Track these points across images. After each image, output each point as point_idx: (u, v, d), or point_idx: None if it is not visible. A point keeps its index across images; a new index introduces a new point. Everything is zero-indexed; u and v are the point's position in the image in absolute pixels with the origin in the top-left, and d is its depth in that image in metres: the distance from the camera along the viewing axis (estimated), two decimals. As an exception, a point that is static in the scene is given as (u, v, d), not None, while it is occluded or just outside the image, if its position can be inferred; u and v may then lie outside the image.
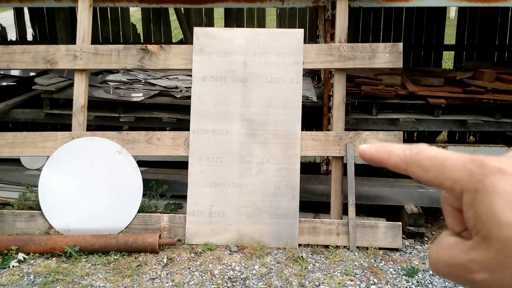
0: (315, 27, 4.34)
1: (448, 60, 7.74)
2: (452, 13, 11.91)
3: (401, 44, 3.38)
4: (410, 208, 3.56)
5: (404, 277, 3.00)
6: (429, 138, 5.28)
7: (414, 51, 5.59)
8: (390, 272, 3.06)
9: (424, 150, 0.40)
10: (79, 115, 3.45)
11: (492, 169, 0.36)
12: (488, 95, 4.07)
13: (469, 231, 0.38)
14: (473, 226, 0.37)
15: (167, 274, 2.98)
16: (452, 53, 6.05)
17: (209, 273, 2.99)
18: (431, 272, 3.07)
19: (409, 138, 5.28)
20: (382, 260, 3.18)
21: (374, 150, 0.43)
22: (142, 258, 3.10)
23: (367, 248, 3.25)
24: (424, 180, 0.40)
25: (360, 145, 0.44)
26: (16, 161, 4.11)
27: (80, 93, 3.47)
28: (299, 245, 3.27)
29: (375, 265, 3.11)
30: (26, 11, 6.10)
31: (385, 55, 3.35)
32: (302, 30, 3.41)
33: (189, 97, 3.77)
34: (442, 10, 5.58)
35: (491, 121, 4.07)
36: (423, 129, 4.23)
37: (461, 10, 5.59)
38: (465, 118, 4.07)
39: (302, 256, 3.13)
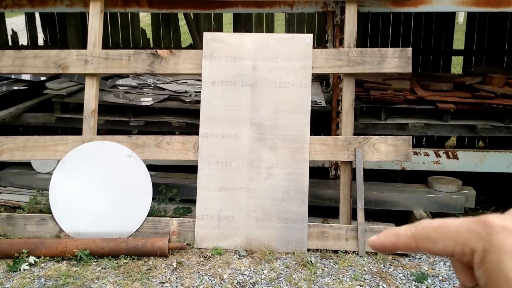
0: (324, 32, 4.35)
1: (456, 65, 7.71)
2: (460, 18, 11.88)
3: (410, 49, 3.38)
4: (419, 213, 3.55)
5: (413, 282, 3.00)
6: (438, 143, 5.27)
7: (423, 56, 5.58)
8: (400, 277, 3.05)
9: (428, 224, 0.42)
10: (90, 119, 3.48)
11: (497, 228, 0.37)
12: (497, 100, 4.06)
13: (481, 287, 0.39)
14: (485, 285, 0.38)
15: (176, 278, 2.99)
16: (461, 58, 6.04)
17: (218, 277, 2.99)
18: (440, 277, 3.06)
19: (417, 143, 5.27)
20: (391, 265, 3.17)
21: (383, 237, 0.45)
22: (152, 262, 3.12)
23: (376, 254, 3.25)
24: (436, 252, 0.41)
25: (369, 238, 0.47)
26: (27, 165, 4.15)
27: (90, 97, 3.50)
28: (308, 250, 3.27)
29: (384, 270, 3.11)
30: (37, 16, 6.17)
31: (394, 60, 3.35)
32: (311, 35, 3.42)
33: (198, 102, 3.80)
34: (451, 15, 5.58)
35: (500, 126, 4.05)
36: (432, 134, 4.22)
37: (470, 15, 5.59)
38: (474, 123, 4.06)
39: (311, 261, 3.13)
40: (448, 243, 0.40)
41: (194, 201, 3.40)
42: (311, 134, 3.34)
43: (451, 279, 3.05)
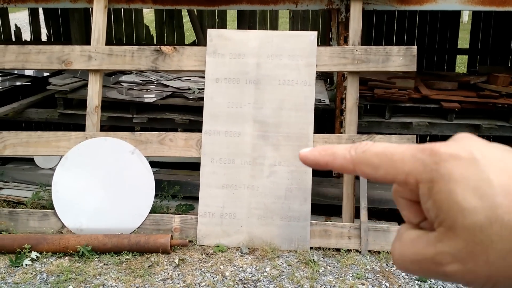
0: (328, 29, 4.33)
1: (461, 64, 7.69)
2: (465, 17, 11.83)
3: (415, 47, 3.36)
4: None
5: (416, 281, 2.98)
6: (442, 142, 5.24)
7: (428, 54, 5.56)
8: (402, 276, 3.04)
9: (370, 148, 0.38)
10: (93, 115, 3.47)
11: (444, 156, 0.35)
12: (502, 100, 4.04)
13: (430, 221, 0.36)
14: (435, 217, 0.35)
15: (178, 274, 2.98)
16: (466, 57, 6.02)
17: (220, 274, 2.99)
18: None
19: (422, 142, 5.25)
20: (394, 264, 3.15)
21: (317, 154, 0.40)
22: (154, 259, 3.11)
23: (379, 252, 3.23)
24: (375, 178, 0.38)
25: (300, 150, 0.42)
26: (29, 161, 4.15)
27: (94, 93, 3.49)
28: (311, 248, 3.26)
29: (387, 269, 3.09)
30: (41, 11, 6.16)
31: (399, 59, 3.34)
32: (315, 33, 3.41)
33: (201, 99, 3.79)
34: (456, 14, 5.55)
35: (505, 126, 4.03)
36: (436, 133, 4.21)
37: (475, 14, 5.56)
38: (478, 123, 4.04)
39: (313, 259, 3.12)
40: (390, 171, 0.36)
41: (196, 198, 3.39)
42: (314, 132, 3.33)
43: (454, 278, 3.03)
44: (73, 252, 3.13)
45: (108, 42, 4.31)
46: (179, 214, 3.53)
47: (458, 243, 0.33)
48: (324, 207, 3.73)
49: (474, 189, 0.33)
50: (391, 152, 0.37)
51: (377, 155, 0.37)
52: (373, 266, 3.11)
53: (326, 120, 4.26)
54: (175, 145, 3.38)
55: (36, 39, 6.18)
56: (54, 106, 4.41)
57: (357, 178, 3.37)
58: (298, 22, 5.96)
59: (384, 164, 0.37)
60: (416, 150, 0.36)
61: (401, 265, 0.37)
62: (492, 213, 0.32)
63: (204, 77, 3.47)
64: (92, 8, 3.66)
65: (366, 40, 5.43)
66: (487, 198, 0.32)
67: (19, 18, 8.96)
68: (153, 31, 6.25)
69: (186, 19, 6.40)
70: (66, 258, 3.14)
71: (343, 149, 0.39)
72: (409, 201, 0.39)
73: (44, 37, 6.41)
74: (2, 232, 3.35)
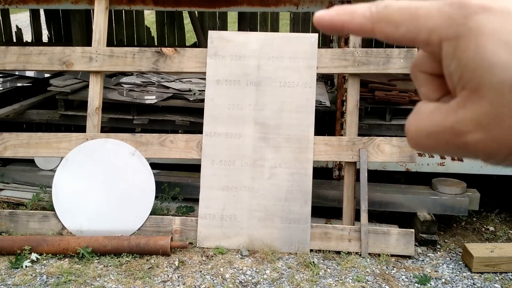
0: (329, 32, 4.33)
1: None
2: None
3: (416, 49, 3.36)
4: (423, 215, 3.53)
5: (416, 284, 2.98)
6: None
7: (428, 57, 5.56)
8: (402, 279, 3.03)
9: (392, 3, 0.34)
10: (94, 117, 3.47)
11: (474, 8, 0.31)
12: (503, 102, 4.03)
13: (453, 90, 0.33)
14: (459, 80, 0.31)
15: (178, 277, 2.98)
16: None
17: (220, 277, 2.98)
18: (443, 280, 3.05)
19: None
20: (394, 267, 3.15)
21: (334, 13, 0.36)
22: (154, 261, 3.11)
23: (379, 255, 3.23)
24: (396, 39, 0.34)
25: (316, 14, 0.37)
26: (30, 162, 4.15)
27: (94, 94, 3.49)
28: (311, 250, 3.26)
29: (387, 272, 3.09)
30: (42, 13, 6.17)
31: (399, 61, 3.34)
32: (316, 35, 3.41)
33: (202, 100, 3.79)
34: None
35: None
36: (436, 136, 4.20)
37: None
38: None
39: (313, 262, 3.12)
40: (412, 29, 0.33)
41: (197, 200, 3.39)
42: (315, 134, 3.33)
43: (454, 281, 3.03)
44: (73, 254, 3.13)
45: (109, 43, 4.31)
46: (179, 216, 3.52)
47: (483, 106, 0.30)
48: (325, 210, 3.73)
49: (506, 43, 0.29)
50: (416, 6, 0.33)
51: (400, 10, 0.33)
52: (373, 269, 3.11)
53: (327, 122, 4.26)
54: (175, 146, 3.38)
55: (37, 40, 6.19)
56: (55, 107, 4.42)
57: (357, 180, 3.36)
58: (299, 24, 5.97)
59: (406, 21, 0.33)
60: (444, 4, 0.32)
61: (417, 140, 0.34)
62: None
63: (204, 79, 3.47)
64: (93, 10, 3.66)
65: (366, 42, 5.43)
66: None
67: (20, 19, 8.96)
68: (154, 32, 6.25)
69: (187, 20, 6.41)
70: (66, 259, 3.14)
71: (363, 6, 0.35)
72: (429, 74, 0.35)
73: (45, 38, 6.41)
74: (2, 234, 3.35)
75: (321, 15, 0.37)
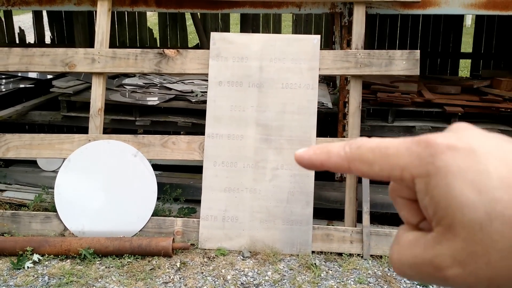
0: (331, 33, 4.33)
1: (464, 68, 7.68)
2: (468, 21, 11.82)
3: (418, 51, 3.36)
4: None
5: (418, 286, 2.97)
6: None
7: (431, 58, 5.55)
8: (404, 281, 3.03)
9: (364, 143, 0.36)
10: (96, 118, 3.48)
11: (440, 147, 0.32)
12: (505, 104, 4.03)
13: (429, 220, 0.34)
14: (433, 215, 0.32)
15: (180, 278, 2.98)
16: (469, 61, 6.01)
17: (222, 278, 2.98)
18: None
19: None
20: (393, 269, 3.14)
21: (312, 153, 0.38)
22: (156, 262, 3.11)
23: (381, 257, 3.22)
24: (371, 176, 0.35)
25: (296, 151, 0.39)
26: (32, 163, 4.16)
27: (97, 96, 3.50)
28: (312, 252, 3.25)
29: (389, 274, 3.08)
30: (44, 14, 6.19)
31: (402, 62, 3.33)
32: (318, 36, 3.41)
33: (204, 102, 3.79)
34: (459, 18, 5.55)
35: (508, 130, 4.02)
36: (439, 137, 4.19)
37: (479, 18, 5.55)
38: (482, 127, 4.02)
39: (315, 264, 3.12)
40: (384, 167, 0.34)
41: (198, 201, 3.39)
42: (317, 136, 3.33)
43: (456, 283, 3.02)
44: (75, 255, 3.13)
45: (112, 45, 4.32)
46: (181, 217, 3.52)
47: (457, 243, 0.31)
48: (326, 211, 3.72)
49: (472, 182, 0.31)
50: (386, 146, 0.35)
51: (372, 150, 0.35)
52: (375, 270, 3.10)
53: (329, 123, 4.26)
54: (177, 148, 3.38)
55: (40, 42, 6.20)
56: (57, 109, 4.42)
57: (359, 182, 3.36)
58: (301, 26, 5.97)
59: (378, 160, 0.35)
60: (411, 143, 0.34)
61: (400, 270, 0.35)
62: (492, 208, 0.30)
63: (207, 80, 3.47)
64: (95, 11, 3.67)
65: (369, 44, 5.43)
66: (486, 192, 0.30)
67: (23, 20, 8.99)
68: (156, 34, 6.26)
69: (189, 22, 6.41)
70: (68, 260, 3.14)
71: (338, 146, 0.37)
72: (407, 200, 0.37)
73: (48, 40, 6.43)
74: (5, 234, 3.36)
75: (301, 154, 0.39)
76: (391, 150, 0.34)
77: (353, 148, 0.36)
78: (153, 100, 4.20)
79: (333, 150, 0.37)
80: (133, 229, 3.32)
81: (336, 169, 0.37)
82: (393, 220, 3.79)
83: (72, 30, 5.69)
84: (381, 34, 5.55)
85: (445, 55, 5.53)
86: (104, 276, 2.98)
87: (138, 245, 3.13)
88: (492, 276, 0.31)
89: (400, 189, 0.37)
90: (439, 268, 0.32)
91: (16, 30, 6.23)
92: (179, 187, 3.76)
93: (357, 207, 3.38)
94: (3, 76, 4.94)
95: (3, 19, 6.17)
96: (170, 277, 2.99)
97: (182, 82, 4.69)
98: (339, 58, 3.36)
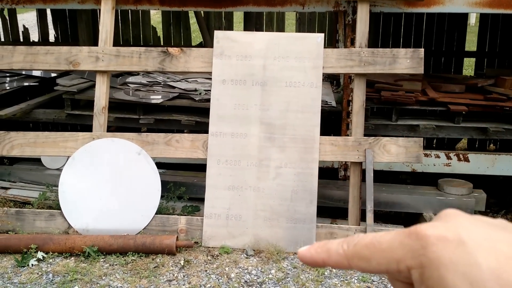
0: (335, 31, 4.33)
1: (468, 67, 7.65)
2: (472, 20, 11.78)
3: (422, 50, 3.35)
4: (429, 215, 3.52)
5: (422, 285, 2.97)
6: (449, 145, 5.22)
7: (435, 57, 5.54)
8: (408, 280, 3.02)
9: (360, 240, 0.38)
10: (100, 116, 3.49)
11: (431, 239, 0.34)
12: (510, 103, 4.01)
13: None
14: None
15: (183, 276, 2.99)
16: (473, 60, 5.99)
17: (225, 276, 2.99)
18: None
19: (428, 145, 5.23)
20: None
21: (314, 251, 0.40)
22: (159, 260, 3.12)
23: (384, 255, 3.22)
24: (371, 271, 0.37)
25: (299, 248, 0.42)
26: (37, 161, 4.17)
27: (101, 94, 3.50)
28: (316, 250, 3.25)
29: (392, 272, 3.08)
30: (48, 12, 6.20)
31: (406, 61, 3.33)
32: (322, 35, 3.40)
33: (208, 100, 3.79)
34: (463, 17, 5.53)
35: (512, 129, 4.01)
36: (443, 136, 4.19)
37: (483, 17, 5.53)
38: (486, 126, 4.02)
39: (319, 262, 3.11)
40: (381, 261, 0.36)
41: (202, 200, 3.39)
42: (321, 134, 3.32)
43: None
44: (79, 253, 3.14)
45: (116, 43, 4.32)
46: (185, 215, 3.53)
47: None
48: (330, 210, 3.72)
49: (464, 274, 0.32)
50: (379, 241, 0.37)
51: (367, 247, 0.37)
52: (379, 269, 3.10)
53: (333, 122, 4.25)
54: (181, 146, 3.38)
55: (44, 40, 6.21)
56: (61, 107, 4.43)
57: (363, 180, 3.36)
58: (305, 24, 5.96)
59: (374, 255, 0.36)
60: (403, 236, 0.36)
61: None
62: None
63: (210, 79, 3.47)
64: (99, 9, 3.67)
65: (373, 42, 5.42)
66: (477, 284, 0.32)
67: (27, 19, 9.01)
68: (160, 32, 6.26)
69: (193, 20, 6.41)
70: (72, 258, 3.15)
71: (336, 244, 0.39)
72: (405, 283, 0.38)
73: (52, 38, 6.44)
74: (9, 232, 3.37)
75: (303, 253, 0.41)
76: (385, 245, 0.36)
77: (350, 245, 0.38)
78: (156, 98, 4.20)
79: (332, 248, 0.39)
80: (137, 227, 3.33)
81: (336, 266, 0.39)
82: (396, 218, 3.79)
83: (76, 29, 5.70)
84: (385, 32, 5.54)
85: (449, 54, 5.52)
86: (108, 273, 2.99)
87: (142, 243, 3.13)
88: None
89: (399, 274, 0.38)
90: None
91: (20, 29, 6.24)
92: (183, 185, 3.76)
93: (360, 205, 3.38)
94: (8, 74, 4.96)
95: (7, 18, 6.18)
96: (174, 275, 2.99)
97: (186, 81, 4.70)
98: (343, 56, 3.35)
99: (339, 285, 2.93)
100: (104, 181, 3.36)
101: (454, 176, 3.86)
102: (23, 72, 4.99)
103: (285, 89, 3.33)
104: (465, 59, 5.80)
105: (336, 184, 3.83)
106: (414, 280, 0.35)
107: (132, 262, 3.10)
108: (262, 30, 5.80)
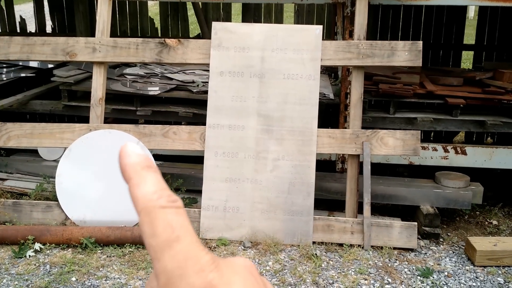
0: (334, 23, 4.31)
1: (466, 60, 7.65)
2: (471, 13, 11.76)
3: (420, 42, 3.34)
4: (426, 208, 3.53)
5: (418, 277, 2.98)
6: (446, 138, 5.23)
7: (433, 50, 5.53)
8: (405, 272, 3.04)
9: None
10: (97, 108, 3.47)
11: None
12: (508, 96, 4.01)
13: None
14: None
15: (181, 267, 2.99)
16: (471, 53, 5.98)
17: (222, 268, 2.99)
18: (446, 273, 3.05)
19: (426, 138, 5.24)
20: (396, 260, 3.15)
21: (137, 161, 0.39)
22: (157, 251, 3.11)
23: (381, 248, 3.23)
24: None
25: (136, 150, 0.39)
26: (33, 152, 4.16)
27: (98, 85, 3.49)
28: (313, 242, 3.26)
29: (389, 264, 3.09)
30: (45, 3, 6.16)
31: (404, 53, 3.32)
32: (320, 27, 3.39)
33: (205, 92, 3.78)
34: (462, 9, 5.51)
35: (510, 123, 4.01)
36: (440, 129, 4.19)
37: (482, 10, 5.52)
38: (484, 119, 4.02)
39: (316, 254, 3.12)
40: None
41: (200, 192, 3.39)
42: (318, 127, 3.32)
43: (456, 275, 3.03)
44: (76, 244, 3.14)
45: (113, 34, 4.30)
46: (182, 207, 3.52)
47: None
48: (327, 202, 3.73)
49: None
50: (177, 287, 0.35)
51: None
52: (376, 261, 3.11)
53: (331, 114, 4.25)
54: (178, 138, 3.38)
55: (41, 31, 6.18)
56: (58, 98, 4.41)
57: (360, 173, 3.36)
58: (303, 16, 5.94)
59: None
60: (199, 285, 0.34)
61: None
62: None
63: (208, 70, 3.46)
64: (97, 0, 3.65)
65: (371, 34, 5.40)
66: None
67: (24, 9, 8.95)
68: (157, 24, 6.23)
69: (190, 12, 6.38)
70: (69, 249, 3.15)
71: (152, 193, 0.37)
72: None
73: (49, 29, 6.41)
74: (6, 223, 3.37)
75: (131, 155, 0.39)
76: None
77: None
78: (154, 90, 4.19)
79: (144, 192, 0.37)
80: (134, 218, 3.32)
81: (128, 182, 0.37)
82: (393, 211, 3.80)
83: (73, 19, 5.66)
84: (384, 25, 5.52)
85: (448, 47, 5.50)
86: (106, 265, 2.99)
87: (139, 235, 3.13)
88: None
89: None
90: None
91: (17, 19, 6.20)
92: (180, 177, 3.76)
93: (358, 198, 3.38)
94: (4, 65, 4.93)
95: (4, 8, 6.14)
96: (171, 266, 2.99)
97: (183, 72, 4.68)
98: (341, 48, 3.34)
99: (336, 276, 2.94)
100: (101, 173, 3.36)
101: (452, 169, 3.87)
102: (20, 63, 4.96)
103: (283, 81, 3.32)
104: (463, 52, 5.80)
105: (334, 177, 3.83)
106: None
107: (130, 253, 3.10)
108: (261, 22, 5.77)
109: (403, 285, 2.90)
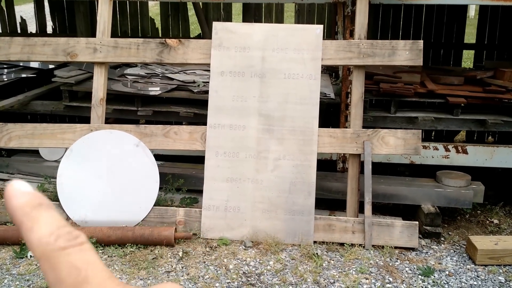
0: (334, 23, 4.31)
1: (467, 59, 7.64)
2: (471, 12, 11.75)
3: (421, 41, 3.34)
4: (427, 207, 3.53)
5: (420, 276, 2.98)
6: (447, 137, 5.23)
7: (434, 49, 5.53)
8: (406, 271, 3.04)
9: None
10: (98, 108, 3.48)
11: None
12: (508, 95, 4.01)
13: None
14: None
15: (182, 267, 2.99)
16: (472, 52, 5.97)
17: (224, 267, 2.99)
18: (447, 272, 3.05)
19: (427, 137, 5.24)
20: (398, 259, 3.15)
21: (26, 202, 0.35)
22: (158, 251, 3.12)
23: (382, 247, 3.23)
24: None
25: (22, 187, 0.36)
26: (34, 152, 4.16)
27: (99, 86, 3.49)
28: (314, 242, 3.26)
29: (390, 264, 3.09)
30: (46, 4, 6.16)
31: (405, 53, 3.32)
32: (321, 26, 3.39)
33: (206, 92, 3.78)
34: (463, 9, 5.51)
35: (511, 121, 4.01)
36: (441, 128, 4.19)
37: (482, 9, 5.52)
38: (484, 118, 4.01)
39: (317, 253, 3.12)
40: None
41: (200, 192, 3.39)
42: (319, 126, 3.32)
43: (457, 274, 3.03)
44: (77, 244, 3.14)
45: (114, 34, 4.30)
46: (183, 207, 3.53)
47: None
48: (328, 202, 3.73)
49: None
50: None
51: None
52: (377, 260, 3.11)
53: (331, 114, 4.25)
54: (179, 138, 3.38)
55: (41, 31, 6.18)
56: (59, 99, 4.42)
57: (361, 172, 3.36)
58: (304, 16, 5.94)
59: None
60: None
61: None
62: None
63: (209, 70, 3.46)
64: (97, 0, 3.65)
65: (372, 34, 5.40)
66: None
67: (24, 10, 8.96)
68: (158, 24, 6.23)
69: (191, 12, 6.38)
70: (71, 250, 3.15)
71: (49, 233, 0.34)
72: None
73: (49, 29, 6.41)
74: (7, 224, 3.37)
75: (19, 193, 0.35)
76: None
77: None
78: (155, 90, 4.19)
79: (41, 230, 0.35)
80: (135, 218, 3.33)
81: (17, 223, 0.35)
82: (395, 210, 3.80)
83: (74, 20, 5.67)
84: (384, 24, 5.52)
85: (448, 46, 5.50)
86: (107, 265, 2.99)
87: (140, 235, 3.14)
88: None
89: None
90: None
91: (18, 20, 6.21)
92: (181, 177, 3.76)
93: (359, 197, 3.38)
94: (5, 66, 4.94)
95: (5, 9, 6.15)
96: (172, 266, 3.00)
97: (184, 72, 4.68)
98: (342, 48, 3.34)
99: (337, 276, 2.94)
100: (102, 173, 3.36)
101: (453, 168, 3.86)
102: (21, 64, 4.97)
103: (283, 81, 3.32)
104: (464, 51, 5.79)
105: (335, 176, 3.83)
106: None
107: (131, 253, 3.10)
108: (261, 22, 5.78)
109: (404, 284, 2.90)
